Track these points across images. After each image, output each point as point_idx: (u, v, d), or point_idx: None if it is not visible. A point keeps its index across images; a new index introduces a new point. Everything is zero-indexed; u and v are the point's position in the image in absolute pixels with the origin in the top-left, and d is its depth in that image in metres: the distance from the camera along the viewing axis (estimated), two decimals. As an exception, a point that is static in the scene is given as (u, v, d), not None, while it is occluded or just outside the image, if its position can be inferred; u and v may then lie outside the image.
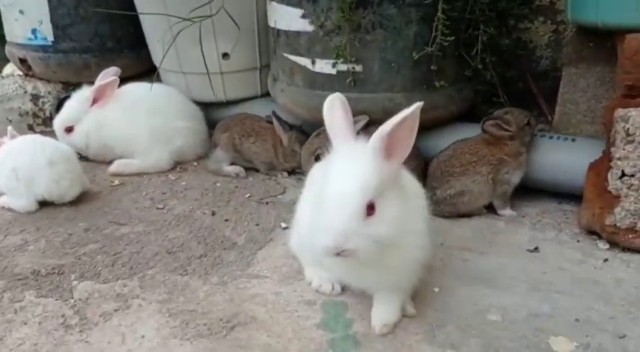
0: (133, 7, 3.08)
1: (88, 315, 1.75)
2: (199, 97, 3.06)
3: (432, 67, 2.29)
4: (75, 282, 1.93)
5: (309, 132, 2.66)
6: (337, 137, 1.55)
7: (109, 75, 2.86)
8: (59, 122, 2.92)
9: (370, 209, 1.41)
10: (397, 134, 1.43)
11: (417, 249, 1.57)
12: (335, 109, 1.57)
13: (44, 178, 2.41)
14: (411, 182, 1.70)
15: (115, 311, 1.77)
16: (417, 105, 1.43)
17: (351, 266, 1.58)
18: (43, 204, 2.46)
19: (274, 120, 2.71)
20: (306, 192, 1.85)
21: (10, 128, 2.58)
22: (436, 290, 1.84)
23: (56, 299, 1.83)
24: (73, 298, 1.84)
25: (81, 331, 1.68)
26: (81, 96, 2.89)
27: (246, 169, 2.81)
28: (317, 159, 2.62)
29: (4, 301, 1.83)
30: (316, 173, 1.80)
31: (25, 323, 1.72)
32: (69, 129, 2.89)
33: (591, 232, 2.14)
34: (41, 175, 2.40)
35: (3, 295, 1.86)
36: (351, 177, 1.43)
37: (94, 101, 2.85)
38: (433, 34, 2.22)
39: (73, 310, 1.78)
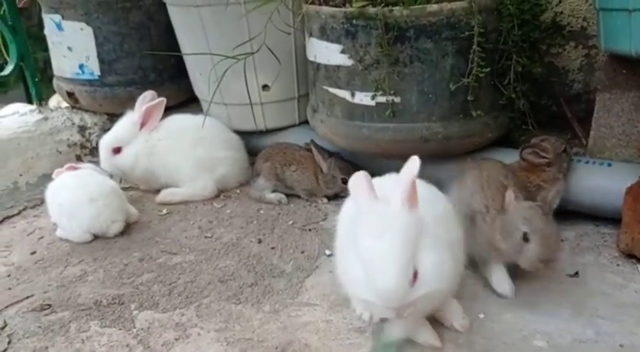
0: (175, 41, 3.23)
1: (151, 344, 1.86)
2: (240, 127, 3.18)
3: (468, 97, 2.37)
4: (135, 312, 2.04)
5: (347, 160, 2.80)
6: (361, 197, 1.59)
7: (146, 99, 2.98)
8: (108, 142, 2.98)
9: (415, 276, 1.49)
10: (413, 183, 1.53)
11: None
12: (360, 184, 1.61)
13: (86, 214, 2.53)
14: (434, 197, 1.78)
15: (176, 340, 1.87)
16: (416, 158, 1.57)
17: None
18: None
19: (313, 149, 2.82)
20: (342, 231, 1.83)
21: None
22: (481, 316, 1.90)
23: (119, 329, 1.95)
24: (135, 328, 1.95)
25: (146, 360, 1.79)
26: (130, 119, 2.97)
27: (287, 196, 2.91)
28: (344, 182, 2.73)
29: (71, 331, 1.95)
30: (349, 213, 1.78)
31: (93, 353, 1.84)
32: (117, 150, 2.96)
33: (630, 256, 2.19)
34: (83, 211, 2.52)
35: (70, 325, 1.98)
36: (394, 257, 1.47)
37: (142, 124, 2.95)
38: (469, 66, 2.30)
39: (136, 339, 1.89)
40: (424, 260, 1.51)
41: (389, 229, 1.50)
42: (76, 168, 2.72)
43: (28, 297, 2.16)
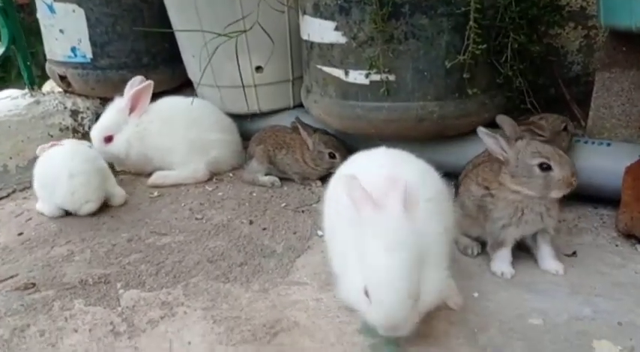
0: (168, 23, 3.17)
1: (135, 322, 1.81)
2: (233, 110, 3.13)
3: (464, 75, 2.31)
4: (121, 291, 1.99)
5: (335, 135, 2.78)
6: (363, 209, 1.51)
7: (136, 84, 2.93)
8: (98, 131, 2.95)
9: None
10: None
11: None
12: (354, 190, 1.53)
13: (62, 189, 2.50)
14: (429, 178, 1.74)
15: (161, 318, 1.82)
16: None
17: None
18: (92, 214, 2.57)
19: (298, 126, 2.77)
20: (331, 212, 1.77)
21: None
22: (475, 295, 1.85)
23: (104, 308, 1.90)
24: (120, 306, 1.90)
25: (129, 337, 1.73)
26: (118, 106, 2.94)
27: (281, 179, 2.86)
28: (331, 156, 2.70)
29: (54, 309, 1.90)
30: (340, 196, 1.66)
31: (76, 331, 1.78)
32: (108, 139, 2.93)
33: (630, 236, 2.13)
34: (60, 186, 2.50)
35: (53, 303, 1.93)
36: (402, 284, 1.43)
37: (131, 109, 2.91)
38: (465, 43, 2.24)
39: (120, 318, 1.83)
40: (428, 278, 1.48)
41: (395, 253, 1.43)
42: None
43: (12, 276, 2.11)
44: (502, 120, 2.10)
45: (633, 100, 2.38)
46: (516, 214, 1.91)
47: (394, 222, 1.48)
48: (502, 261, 1.97)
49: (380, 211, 1.49)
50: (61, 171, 2.50)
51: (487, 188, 2.00)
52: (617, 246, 2.12)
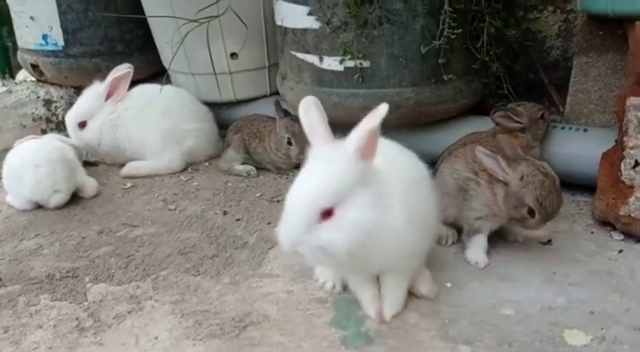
0: (140, 10, 3.10)
1: (101, 318, 1.76)
2: (209, 98, 3.07)
3: (439, 61, 2.28)
4: (89, 285, 1.94)
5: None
6: (315, 139, 1.49)
7: (121, 70, 2.86)
8: (72, 117, 2.88)
9: (326, 215, 1.40)
10: (373, 133, 1.40)
11: (401, 236, 1.51)
12: (310, 111, 1.52)
13: (28, 180, 2.45)
14: (410, 163, 1.70)
15: (129, 313, 1.78)
16: (385, 105, 1.39)
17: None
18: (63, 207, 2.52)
19: (275, 109, 2.72)
20: None
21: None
22: (448, 285, 1.83)
23: (70, 302, 1.85)
24: (87, 301, 1.86)
25: (95, 333, 1.69)
26: (94, 91, 2.86)
27: (258, 169, 2.81)
28: (289, 143, 2.64)
29: (19, 305, 1.85)
30: None
31: (40, 327, 1.74)
32: (82, 125, 2.86)
33: (605, 223, 2.12)
34: (27, 176, 2.45)
35: (18, 299, 1.88)
36: (309, 183, 1.43)
37: (108, 95, 2.84)
38: (440, 28, 2.20)
39: (87, 313, 1.79)
40: (350, 208, 1.41)
41: (319, 171, 1.42)
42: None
43: (-22, 272, 2.06)
44: (503, 139, 2.05)
45: (610, 85, 2.35)
46: (492, 212, 1.90)
47: (333, 153, 1.42)
48: (477, 249, 1.94)
49: (333, 148, 1.45)
50: (27, 163, 2.46)
51: (476, 173, 1.95)
52: (592, 233, 2.10)
